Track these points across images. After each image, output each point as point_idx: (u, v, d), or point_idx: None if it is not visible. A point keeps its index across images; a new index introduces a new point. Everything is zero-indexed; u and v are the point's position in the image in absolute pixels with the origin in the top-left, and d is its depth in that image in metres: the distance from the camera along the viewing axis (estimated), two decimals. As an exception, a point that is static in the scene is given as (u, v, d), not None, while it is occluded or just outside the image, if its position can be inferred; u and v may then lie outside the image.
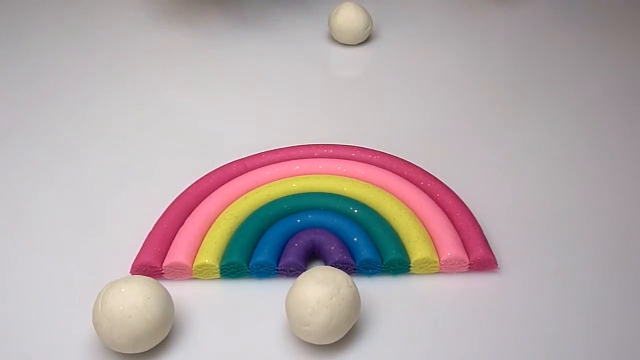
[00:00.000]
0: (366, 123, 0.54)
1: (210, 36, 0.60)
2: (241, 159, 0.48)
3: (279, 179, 0.47)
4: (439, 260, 0.42)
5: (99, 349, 0.39)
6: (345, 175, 0.47)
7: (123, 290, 0.38)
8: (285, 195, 0.45)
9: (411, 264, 0.42)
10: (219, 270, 0.42)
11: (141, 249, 0.43)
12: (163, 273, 0.42)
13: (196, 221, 0.44)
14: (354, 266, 0.42)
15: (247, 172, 0.47)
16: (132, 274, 0.42)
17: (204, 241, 0.43)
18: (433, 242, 0.43)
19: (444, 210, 0.45)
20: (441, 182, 0.46)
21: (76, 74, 0.58)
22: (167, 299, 0.39)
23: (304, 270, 0.40)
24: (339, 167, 0.47)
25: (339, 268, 0.40)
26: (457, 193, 0.46)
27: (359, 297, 0.39)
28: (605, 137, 0.52)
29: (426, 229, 0.44)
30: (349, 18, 0.61)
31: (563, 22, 0.64)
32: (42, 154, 0.51)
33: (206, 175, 0.47)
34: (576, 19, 0.65)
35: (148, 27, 0.63)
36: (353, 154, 0.48)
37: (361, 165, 0.47)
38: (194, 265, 0.42)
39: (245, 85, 0.57)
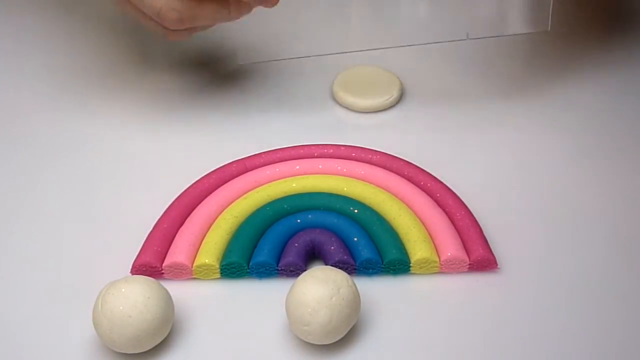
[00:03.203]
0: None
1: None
2: (241, 159, 0.48)
3: (279, 179, 0.47)
4: (439, 260, 0.42)
5: (99, 349, 0.39)
6: (345, 175, 0.47)
7: (123, 290, 0.38)
8: (285, 195, 0.45)
9: (411, 264, 0.42)
10: (219, 270, 0.42)
11: (141, 249, 0.43)
12: (163, 273, 0.42)
13: (196, 221, 0.44)
14: (354, 266, 0.42)
15: (247, 172, 0.47)
16: (132, 274, 0.42)
17: (204, 241, 0.43)
18: (433, 242, 0.43)
19: (444, 210, 0.45)
20: (441, 182, 0.46)
21: (76, 74, 0.58)
22: (167, 299, 0.39)
23: (304, 270, 0.40)
24: (339, 167, 0.47)
25: (339, 268, 0.40)
26: (457, 193, 0.46)
27: (359, 297, 0.39)
28: (606, 136, 0.52)
29: (426, 229, 0.44)
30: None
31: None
32: (41, 153, 0.51)
33: (206, 175, 0.47)
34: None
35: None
36: (353, 154, 0.48)
37: (361, 165, 0.47)
38: (194, 265, 0.42)
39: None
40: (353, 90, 0.54)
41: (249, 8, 0.48)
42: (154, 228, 0.44)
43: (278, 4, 0.47)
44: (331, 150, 0.49)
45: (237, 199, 0.45)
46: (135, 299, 0.37)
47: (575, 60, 0.58)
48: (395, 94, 0.54)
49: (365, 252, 0.42)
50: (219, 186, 0.46)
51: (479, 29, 0.50)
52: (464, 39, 0.50)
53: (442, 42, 0.50)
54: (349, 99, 0.53)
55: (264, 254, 0.42)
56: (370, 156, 0.48)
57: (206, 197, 0.46)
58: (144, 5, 0.47)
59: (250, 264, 0.42)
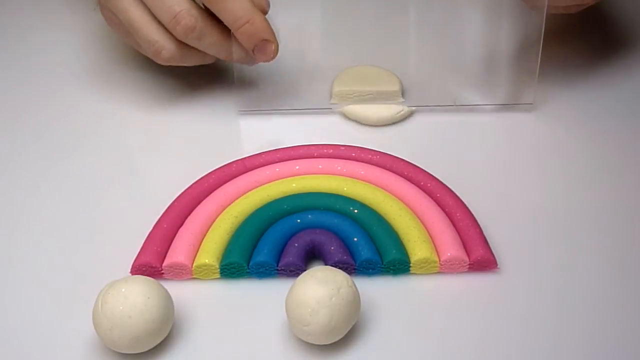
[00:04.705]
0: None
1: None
2: (241, 158, 0.48)
3: (278, 178, 0.47)
4: (439, 260, 0.42)
5: (99, 349, 0.39)
6: (345, 175, 0.47)
7: (123, 290, 0.38)
8: (285, 195, 0.45)
9: (411, 264, 0.42)
10: (219, 270, 0.42)
11: (141, 249, 0.43)
12: (163, 273, 0.42)
13: (196, 221, 0.44)
14: (354, 266, 0.42)
15: (247, 172, 0.47)
16: (132, 274, 0.42)
17: (204, 241, 0.43)
18: (433, 242, 0.43)
19: (444, 210, 0.45)
20: (441, 182, 0.46)
21: (76, 73, 0.58)
22: (167, 299, 0.39)
23: (304, 270, 0.40)
24: (339, 167, 0.47)
25: (339, 268, 0.40)
26: (457, 193, 0.46)
27: (359, 297, 0.39)
28: (607, 137, 0.52)
29: (426, 229, 0.44)
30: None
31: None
32: (41, 153, 0.51)
33: (206, 175, 0.47)
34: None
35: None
36: (353, 154, 0.48)
37: (361, 165, 0.47)
38: (194, 265, 0.42)
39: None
40: (353, 90, 0.53)
41: (249, 60, 0.50)
42: (154, 228, 0.44)
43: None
44: (331, 151, 0.49)
45: (237, 199, 0.45)
46: (135, 299, 0.37)
47: (575, 64, 0.58)
48: (404, 107, 0.53)
49: (365, 252, 0.42)
50: (219, 186, 0.46)
51: (467, 97, 0.54)
52: (452, 105, 0.53)
53: (430, 105, 0.53)
54: (355, 110, 0.53)
55: (263, 254, 0.42)
56: (370, 156, 0.48)
57: (206, 197, 0.46)
58: (162, 6, 0.47)
59: (250, 264, 0.42)
